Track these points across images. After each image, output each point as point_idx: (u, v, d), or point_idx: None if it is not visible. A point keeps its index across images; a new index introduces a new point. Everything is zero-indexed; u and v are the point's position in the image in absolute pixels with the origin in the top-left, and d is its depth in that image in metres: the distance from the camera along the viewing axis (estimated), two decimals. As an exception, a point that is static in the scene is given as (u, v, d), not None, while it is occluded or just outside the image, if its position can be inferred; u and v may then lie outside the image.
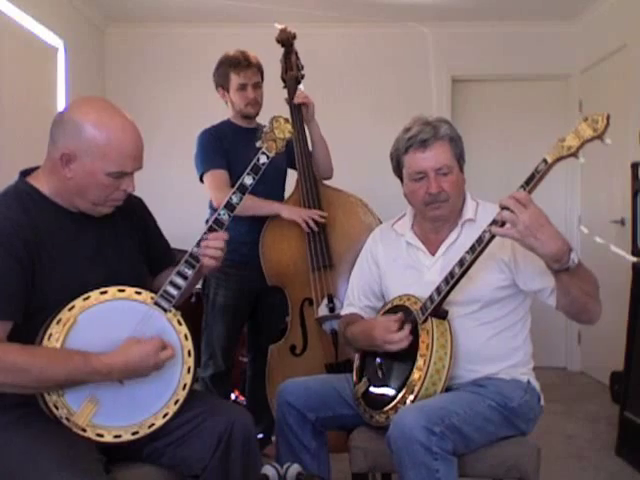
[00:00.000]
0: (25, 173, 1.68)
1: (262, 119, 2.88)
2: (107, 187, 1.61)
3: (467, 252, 1.72)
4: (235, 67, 2.74)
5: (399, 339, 1.80)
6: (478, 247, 1.69)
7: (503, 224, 1.59)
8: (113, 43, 4.77)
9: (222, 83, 2.80)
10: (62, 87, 4.08)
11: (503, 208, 1.58)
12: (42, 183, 1.64)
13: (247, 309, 2.91)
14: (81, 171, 1.58)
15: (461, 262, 1.74)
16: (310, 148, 2.78)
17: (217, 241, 1.67)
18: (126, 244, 1.75)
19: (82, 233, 1.67)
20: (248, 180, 1.70)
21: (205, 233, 1.68)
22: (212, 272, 1.76)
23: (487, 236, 1.67)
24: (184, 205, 4.01)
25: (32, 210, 1.60)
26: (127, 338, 1.55)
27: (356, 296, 2.12)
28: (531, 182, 1.61)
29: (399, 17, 4.53)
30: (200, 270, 1.71)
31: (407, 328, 1.81)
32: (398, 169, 1.98)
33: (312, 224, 2.59)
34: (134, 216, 1.80)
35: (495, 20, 4.60)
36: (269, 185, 2.59)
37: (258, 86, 2.80)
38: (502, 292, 1.88)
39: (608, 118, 1.52)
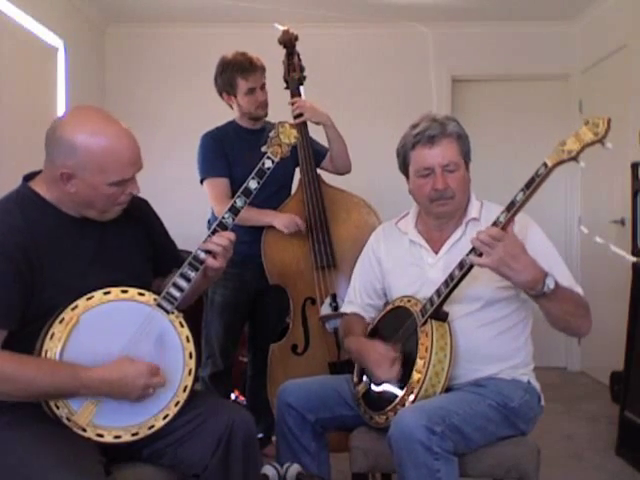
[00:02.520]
0: (28, 177, 1.68)
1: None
2: (111, 195, 1.62)
3: (468, 254, 1.72)
4: (242, 72, 2.72)
5: (385, 378, 1.84)
6: (476, 253, 1.69)
7: (482, 253, 1.65)
8: (113, 43, 4.77)
9: (228, 89, 2.77)
10: (62, 87, 4.07)
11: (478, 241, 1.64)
12: (44, 189, 1.64)
13: (246, 308, 2.91)
14: (83, 186, 1.58)
15: (461, 264, 1.74)
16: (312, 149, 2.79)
17: (221, 238, 1.67)
18: (129, 247, 1.75)
19: (83, 238, 1.67)
20: (253, 184, 1.71)
21: (209, 236, 1.68)
22: (218, 273, 1.75)
23: (468, 261, 1.71)
24: (185, 205, 4.01)
25: (32, 215, 1.60)
26: (121, 356, 1.55)
27: (357, 294, 2.13)
28: (531, 185, 1.61)
29: (399, 17, 4.53)
30: (206, 273, 1.71)
31: (396, 368, 1.83)
32: (404, 165, 1.98)
33: (294, 230, 2.62)
34: (139, 218, 1.80)
35: (495, 20, 4.60)
36: (275, 184, 2.60)
37: (264, 87, 2.80)
38: (504, 292, 1.88)
39: (609, 122, 1.51)
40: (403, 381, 1.80)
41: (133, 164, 1.62)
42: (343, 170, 2.90)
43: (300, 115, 2.73)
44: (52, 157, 1.59)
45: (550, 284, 1.65)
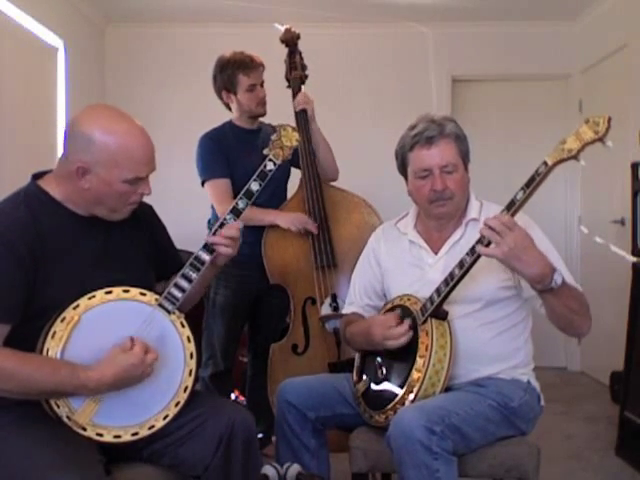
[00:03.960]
0: (37, 176, 1.68)
1: (263, 118, 2.90)
2: (124, 194, 1.63)
3: (467, 254, 1.72)
4: (244, 69, 2.73)
5: (398, 334, 1.81)
6: (483, 243, 1.68)
7: (489, 243, 1.63)
8: (113, 43, 4.77)
9: (228, 86, 2.78)
10: (62, 87, 4.07)
11: (489, 228, 1.61)
12: (53, 187, 1.64)
13: (247, 309, 2.92)
14: (97, 181, 1.59)
15: (461, 264, 1.74)
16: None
17: (230, 230, 1.68)
18: (132, 250, 1.75)
19: (88, 237, 1.67)
20: (255, 186, 1.72)
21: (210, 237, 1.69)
22: (227, 260, 1.76)
23: (475, 253, 1.69)
24: (185, 205, 4.01)
25: (39, 213, 1.60)
26: (112, 348, 1.54)
27: (357, 295, 2.13)
28: (532, 184, 1.61)
29: (399, 17, 4.53)
30: (215, 261, 1.72)
31: (406, 323, 1.82)
32: (403, 167, 1.98)
33: (304, 230, 2.62)
34: (143, 222, 1.81)
35: (495, 20, 4.60)
36: (272, 186, 2.60)
37: (263, 85, 2.81)
38: (504, 292, 1.88)
39: (609, 121, 1.51)
40: (403, 380, 1.80)
41: (147, 163, 1.63)
42: (330, 175, 2.84)
43: (304, 110, 2.73)
44: (68, 152, 1.60)
45: (558, 280, 1.63)
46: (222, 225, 1.70)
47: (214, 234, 1.69)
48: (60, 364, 1.51)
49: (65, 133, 1.62)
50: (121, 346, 1.54)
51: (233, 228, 1.69)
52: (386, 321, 1.85)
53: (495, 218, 1.62)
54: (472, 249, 1.71)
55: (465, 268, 1.72)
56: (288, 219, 2.65)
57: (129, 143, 1.58)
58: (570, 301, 1.70)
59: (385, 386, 1.87)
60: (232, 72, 2.75)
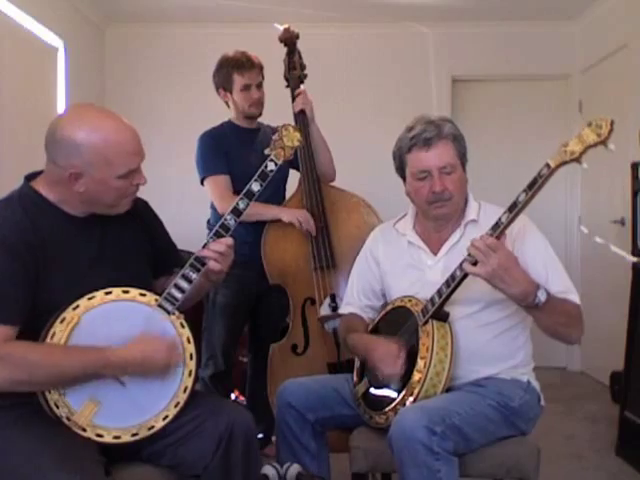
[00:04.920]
0: (29, 177, 1.68)
1: (263, 118, 2.90)
2: (120, 188, 1.62)
3: (464, 259, 1.72)
4: (239, 68, 2.74)
5: (389, 373, 1.83)
6: (471, 260, 1.69)
7: (476, 262, 1.66)
8: (113, 43, 4.77)
9: (224, 85, 2.79)
10: (62, 87, 4.07)
11: (475, 247, 1.65)
12: (46, 189, 1.64)
13: (247, 309, 2.91)
14: (92, 183, 1.59)
15: (462, 265, 1.73)
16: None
17: (218, 245, 1.67)
18: (130, 248, 1.75)
19: (85, 238, 1.67)
20: (255, 186, 1.71)
21: (211, 237, 1.68)
22: (220, 277, 1.75)
23: (460, 272, 1.73)
24: (184, 205, 4.01)
25: (35, 215, 1.60)
26: (141, 333, 1.56)
27: (355, 295, 2.12)
28: (534, 186, 1.62)
29: (399, 17, 4.53)
30: (208, 276, 1.71)
31: (401, 361, 1.82)
32: (401, 168, 1.98)
33: (305, 228, 2.61)
34: (139, 219, 1.80)
35: (495, 20, 4.60)
36: (271, 186, 2.59)
37: (261, 86, 2.81)
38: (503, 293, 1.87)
39: (612, 124, 1.52)
40: (404, 381, 1.80)
41: (137, 153, 1.63)
42: (328, 177, 2.83)
43: (302, 111, 2.73)
44: (55, 159, 1.58)
45: (541, 297, 1.67)
46: (222, 225, 1.69)
47: (215, 234, 1.68)
48: (84, 347, 1.52)
49: (47, 140, 1.59)
50: (151, 335, 1.56)
51: (222, 243, 1.67)
52: (390, 351, 1.84)
53: (481, 239, 1.65)
54: (469, 253, 1.71)
55: (465, 272, 1.72)
56: (292, 214, 2.64)
57: (115, 138, 1.57)
58: (556, 315, 1.72)
59: (385, 387, 1.86)
60: (227, 71, 2.77)
